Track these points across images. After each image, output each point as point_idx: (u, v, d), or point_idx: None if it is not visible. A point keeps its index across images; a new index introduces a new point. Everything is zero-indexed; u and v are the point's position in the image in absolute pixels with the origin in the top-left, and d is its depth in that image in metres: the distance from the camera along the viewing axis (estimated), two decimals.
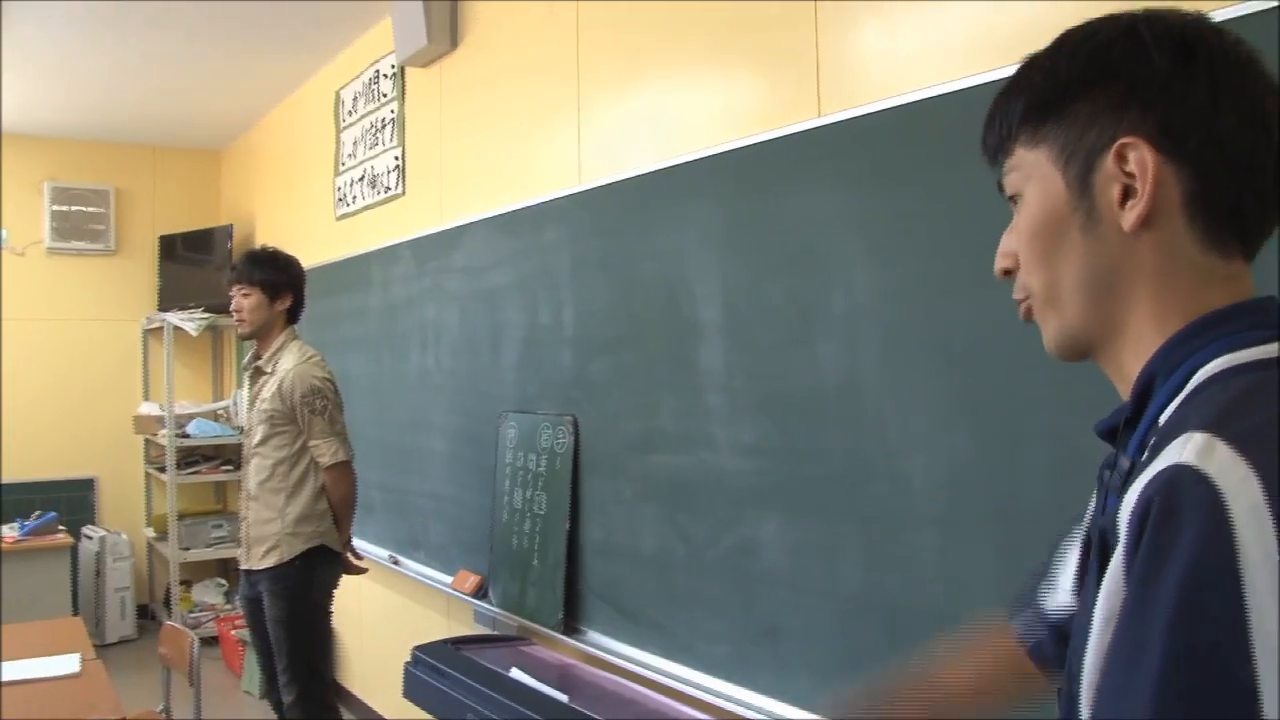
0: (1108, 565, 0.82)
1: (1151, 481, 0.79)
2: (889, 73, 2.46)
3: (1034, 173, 0.98)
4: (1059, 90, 0.96)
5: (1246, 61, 0.92)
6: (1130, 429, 0.94)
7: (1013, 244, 1.03)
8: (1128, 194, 0.92)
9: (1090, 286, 0.96)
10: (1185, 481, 0.76)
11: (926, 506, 2.23)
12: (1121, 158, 0.92)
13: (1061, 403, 1.95)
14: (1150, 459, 0.83)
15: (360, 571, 4.15)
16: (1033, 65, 0.99)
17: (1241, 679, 0.70)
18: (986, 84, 2.08)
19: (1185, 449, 0.78)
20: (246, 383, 4.11)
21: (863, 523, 2.39)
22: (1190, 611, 0.73)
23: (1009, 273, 1.05)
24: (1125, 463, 0.92)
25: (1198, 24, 0.93)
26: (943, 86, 2.22)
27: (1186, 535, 0.74)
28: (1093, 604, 0.83)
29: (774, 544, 2.63)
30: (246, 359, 4.14)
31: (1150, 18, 0.93)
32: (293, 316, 4.07)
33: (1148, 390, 0.92)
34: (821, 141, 2.53)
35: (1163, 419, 0.89)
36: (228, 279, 4.13)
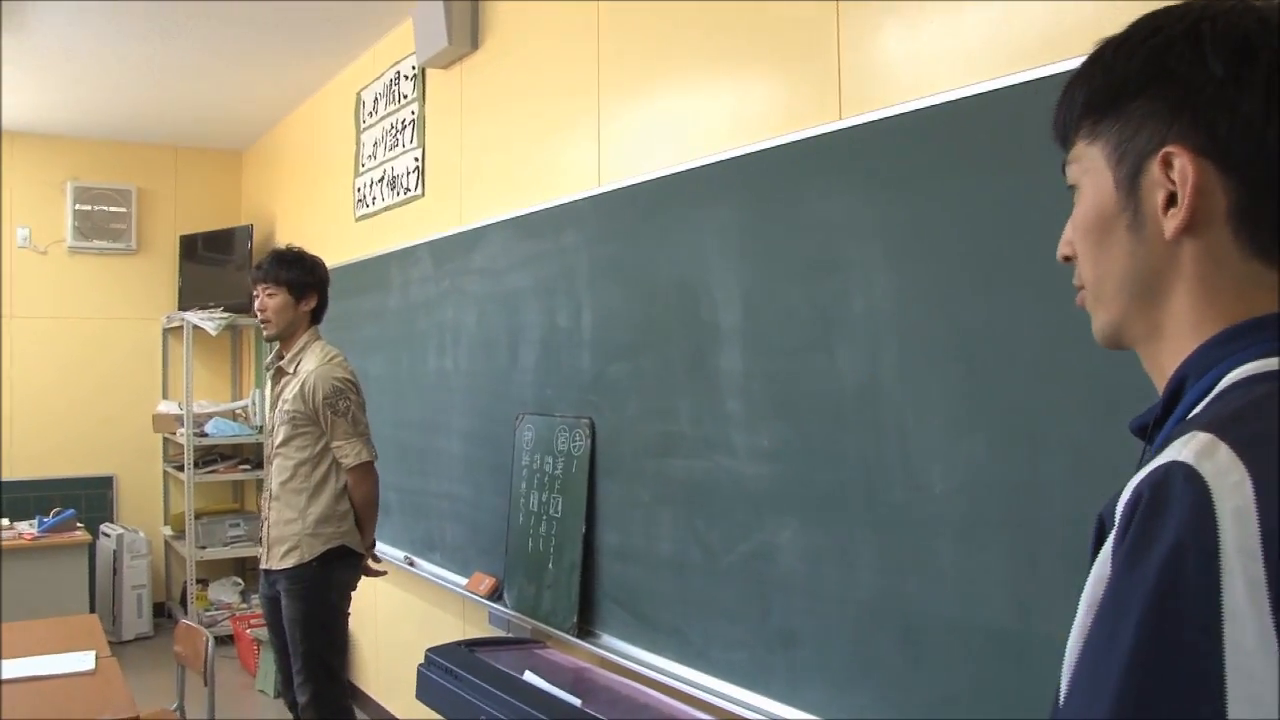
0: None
1: (1148, 475, 0.80)
2: (911, 75, 2.44)
3: (1090, 167, 0.98)
4: (1116, 89, 0.95)
5: None
6: (1159, 428, 0.94)
7: (1071, 232, 1.04)
8: (1172, 200, 0.91)
9: (1133, 285, 0.96)
10: (1177, 478, 0.77)
11: (945, 512, 2.21)
12: (1167, 164, 0.91)
13: (1082, 409, 1.93)
14: (1158, 454, 0.83)
15: (378, 574, 4.14)
16: (1099, 56, 0.98)
17: (1210, 672, 0.71)
18: (1009, 87, 2.07)
19: (1187, 447, 0.78)
20: (269, 382, 4.10)
21: (880, 529, 2.37)
22: (1166, 600, 0.73)
23: (1069, 259, 1.04)
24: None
25: (1264, 22, 0.90)
26: (965, 89, 2.20)
27: (1170, 528, 0.75)
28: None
29: (791, 549, 2.61)
30: (269, 359, 4.12)
31: (1216, 14, 0.91)
32: (316, 317, 4.06)
33: (1179, 391, 0.92)
34: (842, 144, 2.52)
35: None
36: (252, 278, 4.11)
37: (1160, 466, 0.79)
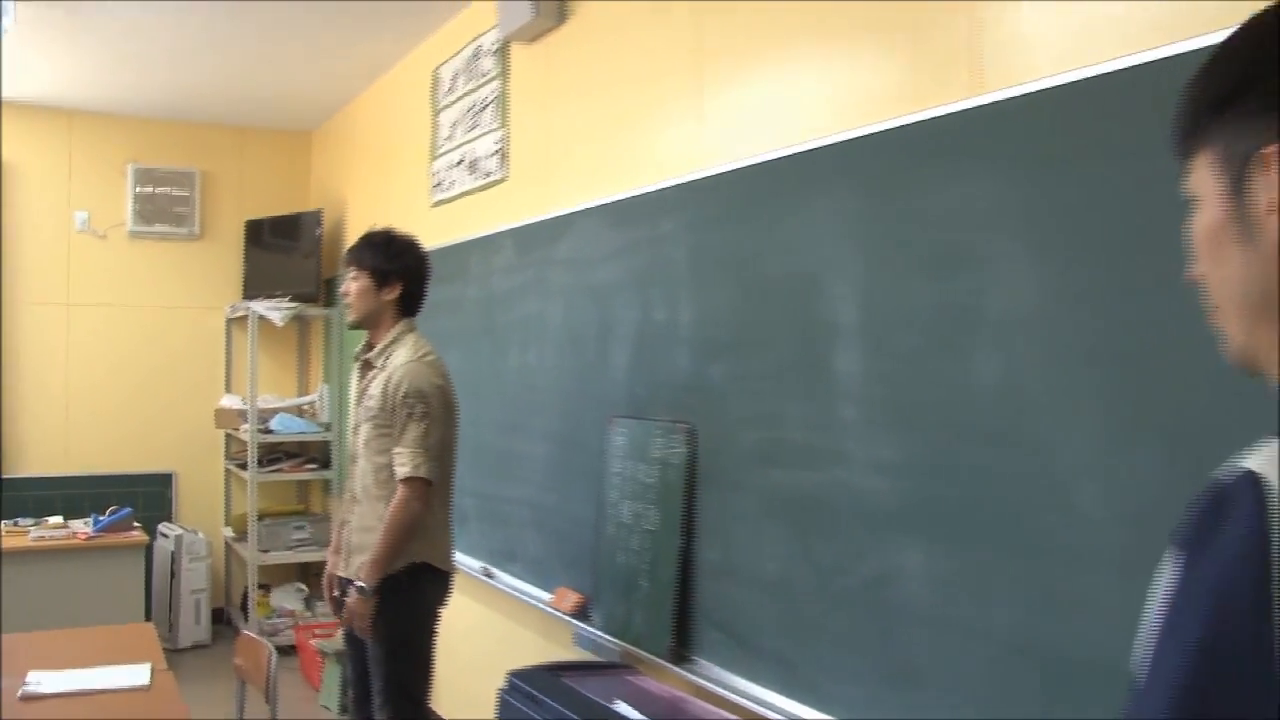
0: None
1: (1212, 481, 0.86)
2: (1055, 46, 2.33)
3: (1203, 177, 0.96)
4: (1219, 94, 0.93)
5: None
6: None
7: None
8: None
9: (1249, 302, 0.93)
10: (1240, 481, 0.83)
11: (1101, 540, 2.09)
12: (1269, 166, 0.88)
13: (1263, 421, 1.80)
14: None
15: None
16: (1206, 67, 0.96)
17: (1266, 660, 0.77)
18: (1171, 57, 1.96)
19: (1259, 454, 0.84)
20: (355, 374, 4.01)
21: (1023, 555, 2.25)
22: (1222, 594, 0.80)
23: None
24: None
25: None
26: (1122, 60, 2.08)
27: (1227, 525, 0.82)
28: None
29: (915, 574, 2.51)
30: (358, 348, 4.03)
31: None
32: (408, 307, 3.94)
33: None
34: (980, 123, 2.41)
35: None
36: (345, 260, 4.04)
37: (1225, 471, 0.85)
